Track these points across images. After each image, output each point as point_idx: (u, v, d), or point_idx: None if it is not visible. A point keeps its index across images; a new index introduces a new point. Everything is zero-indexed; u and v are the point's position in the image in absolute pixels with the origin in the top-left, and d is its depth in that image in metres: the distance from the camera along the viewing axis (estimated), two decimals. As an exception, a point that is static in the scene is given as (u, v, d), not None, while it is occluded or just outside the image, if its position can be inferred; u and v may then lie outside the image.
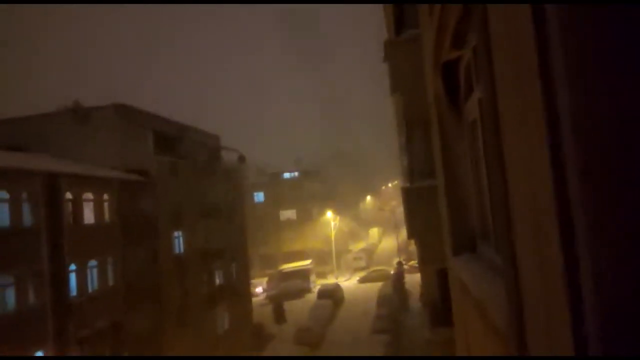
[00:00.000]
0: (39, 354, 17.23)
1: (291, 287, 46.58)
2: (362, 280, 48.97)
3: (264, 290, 47.90)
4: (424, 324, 11.36)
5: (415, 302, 30.04)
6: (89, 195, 20.71)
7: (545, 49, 1.27)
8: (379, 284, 44.24)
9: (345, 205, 72.11)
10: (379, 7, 13.86)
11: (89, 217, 20.56)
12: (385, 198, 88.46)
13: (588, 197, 1.13)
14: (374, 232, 78.26)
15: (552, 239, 1.31)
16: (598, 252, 1.12)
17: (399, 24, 9.49)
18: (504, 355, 2.09)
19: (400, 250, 50.47)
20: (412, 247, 37.02)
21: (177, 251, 26.88)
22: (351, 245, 69.24)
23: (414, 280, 32.67)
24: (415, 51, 6.49)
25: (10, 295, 16.53)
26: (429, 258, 7.74)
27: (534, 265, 1.59)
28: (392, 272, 49.28)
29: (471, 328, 3.34)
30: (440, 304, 8.33)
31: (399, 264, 45.57)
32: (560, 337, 1.31)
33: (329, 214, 59.76)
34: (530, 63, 1.36)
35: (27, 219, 17.66)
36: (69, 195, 19.40)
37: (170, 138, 27.71)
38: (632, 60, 1.12)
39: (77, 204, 19.91)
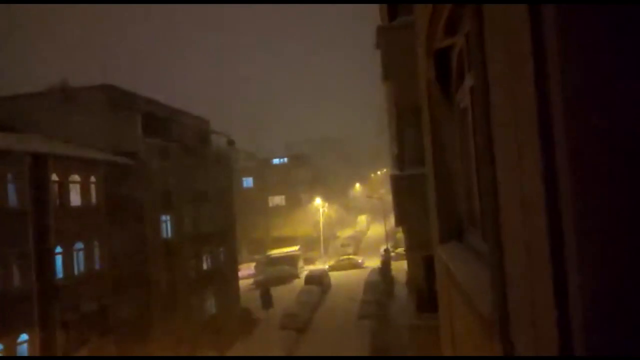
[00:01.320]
0: (24, 336, 17.17)
1: (279, 272, 46.77)
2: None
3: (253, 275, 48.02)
4: (410, 310, 11.49)
5: (401, 288, 30.37)
6: (75, 177, 20.49)
7: (539, 38, 1.26)
8: (367, 269, 44.62)
9: (334, 192, 72.29)
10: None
11: (75, 199, 20.36)
12: (375, 186, 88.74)
13: (576, 188, 1.14)
14: (362, 219, 78.65)
15: (539, 229, 1.32)
16: (584, 242, 1.13)
17: (393, 10, 9.43)
18: (487, 341, 2.12)
19: (388, 237, 50.82)
20: (400, 234, 37.32)
21: (165, 235, 26.79)
22: (339, 231, 69.58)
23: (401, 267, 32.97)
24: (408, 38, 6.46)
25: (-5, 277, 16.40)
26: (416, 245, 7.81)
27: (520, 254, 1.60)
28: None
29: (456, 314, 3.39)
30: (426, 291, 8.44)
31: (386, 250, 45.97)
32: (544, 325, 1.33)
33: (318, 201, 59.86)
34: (523, 52, 1.36)
35: (13, 199, 17.45)
36: (55, 177, 19.17)
37: (160, 121, 27.42)
38: (625, 52, 1.13)
39: (64, 186, 19.70)
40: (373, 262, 47.70)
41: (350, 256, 52.28)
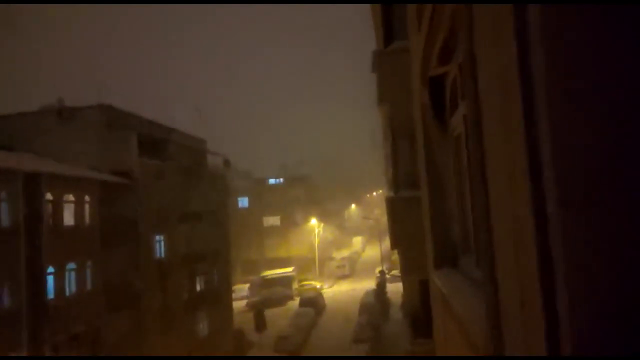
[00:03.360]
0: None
1: (273, 294, 46.30)
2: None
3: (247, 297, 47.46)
4: (405, 334, 11.38)
5: (397, 310, 30.10)
6: (70, 197, 20.38)
7: (528, 74, 1.29)
8: (362, 291, 44.26)
9: (329, 212, 72.14)
10: (369, 16, 13.96)
11: (69, 218, 20.22)
12: (370, 206, 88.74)
13: (565, 220, 1.16)
14: (358, 240, 78.36)
15: (530, 258, 1.33)
16: (573, 273, 1.14)
17: (388, 35, 9.57)
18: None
19: (384, 259, 50.60)
20: (395, 256, 37.14)
21: (158, 255, 26.55)
22: (335, 252, 69.20)
23: (396, 289, 32.73)
24: (404, 62, 6.54)
25: (-15, 297, 16.15)
26: (411, 268, 7.78)
27: (514, 286, 1.60)
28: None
29: (451, 341, 3.36)
30: (422, 315, 8.36)
31: (382, 272, 45.70)
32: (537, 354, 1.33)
33: (313, 221, 59.68)
34: (513, 84, 1.39)
35: (5, 219, 17.31)
36: (49, 196, 19.07)
37: (156, 140, 27.46)
38: (612, 80, 1.16)
39: (58, 205, 19.58)
40: (368, 284, 47.35)
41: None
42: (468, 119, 2.32)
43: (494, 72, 1.68)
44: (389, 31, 9.51)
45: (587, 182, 1.15)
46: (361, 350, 27.21)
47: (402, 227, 7.62)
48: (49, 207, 19.10)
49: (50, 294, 18.60)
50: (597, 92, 1.16)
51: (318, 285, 50.35)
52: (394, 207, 7.93)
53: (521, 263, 1.48)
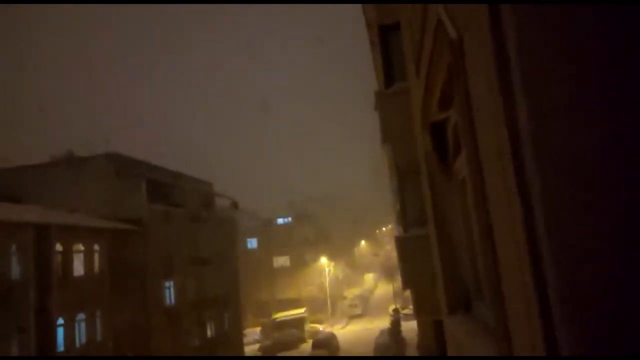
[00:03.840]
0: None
1: (285, 336, 45.29)
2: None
3: (258, 340, 46.46)
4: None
5: (413, 351, 29.28)
6: (79, 246, 20.42)
7: (515, 133, 1.35)
8: (376, 330, 43.21)
9: (339, 250, 71.46)
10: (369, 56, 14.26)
11: (78, 268, 20.19)
12: (380, 242, 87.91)
13: (558, 271, 1.19)
14: (369, 277, 77.27)
15: (533, 308, 1.36)
16: (568, 325, 1.16)
17: (389, 76, 9.75)
18: None
19: (396, 296, 49.66)
20: (408, 293, 36.44)
21: (167, 301, 26.28)
22: (346, 291, 68.11)
23: (411, 327, 31.95)
24: (405, 103, 6.64)
25: (-7, 353, 15.96)
26: (424, 309, 7.63)
27: (524, 333, 1.59)
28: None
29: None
30: (438, 356, 8.14)
31: (395, 310, 44.72)
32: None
33: (323, 260, 59.08)
34: (503, 137, 1.45)
35: (16, 271, 17.31)
36: (59, 247, 19.11)
37: (164, 186, 27.70)
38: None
39: (67, 255, 19.59)
40: (382, 323, 46.29)
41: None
42: (468, 168, 2.34)
43: (490, 122, 1.72)
44: (390, 71, 9.70)
45: (576, 233, 1.20)
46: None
47: (412, 267, 7.54)
48: (59, 257, 19.12)
49: (61, 346, 18.35)
50: (583, 145, 1.22)
51: (320, 327, 49.16)
52: (403, 246, 7.87)
53: (528, 311, 1.49)
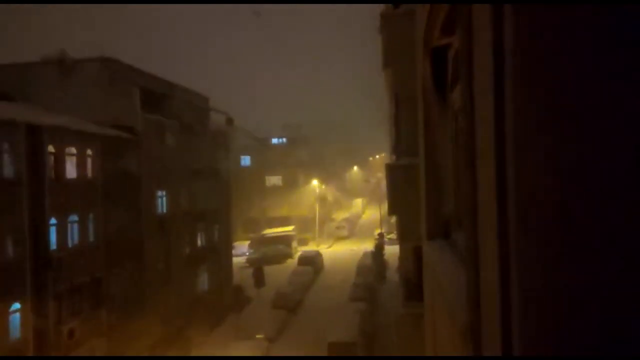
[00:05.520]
0: (16, 305, 17.34)
1: (273, 251, 47.06)
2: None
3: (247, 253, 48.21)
4: (400, 297, 11.65)
5: (393, 273, 30.69)
6: (72, 150, 20.42)
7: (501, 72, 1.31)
8: (361, 252, 44.96)
9: (331, 174, 72.29)
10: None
11: (71, 171, 20.33)
12: (372, 169, 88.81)
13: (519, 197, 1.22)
14: (358, 202, 78.91)
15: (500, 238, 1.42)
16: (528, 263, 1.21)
17: (396, -3, 9.29)
18: (463, 342, 2.18)
19: (383, 221, 51.10)
20: (394, 219, 37.50)
21: (160, 211, 26.86)
22: (335, 214, 69.84)
23: (394, 251, 33.26)
24: (411, 26, 6.40)
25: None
26: (407, 235, 7.89)
27: (493, 263, 1.65)
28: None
29: (437, 309, 3.46)
30: (415, 280, 8.54)
31: (380, 235, 46.29)
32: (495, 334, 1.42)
33: (315, 182, 59.95)
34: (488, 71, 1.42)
35: (8, 170, 17.43)
36: (51, 149, 19.11)
37: (158, 96, 27.23)
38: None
39: (60, 158, 19.64)
40: (367, 245, 48.05)
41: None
42: (462, 97, 2.31)
43: (487, 55, 1.67)
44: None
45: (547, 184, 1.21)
46: (357, 308, 27.92)
47: (400, 194, 7.67)
48: (51, 159, 19.17)
49: (53, 245, 18.94)
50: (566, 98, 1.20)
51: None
52: (393, 173, 7.96)
53: (501, 245, 1.53)
